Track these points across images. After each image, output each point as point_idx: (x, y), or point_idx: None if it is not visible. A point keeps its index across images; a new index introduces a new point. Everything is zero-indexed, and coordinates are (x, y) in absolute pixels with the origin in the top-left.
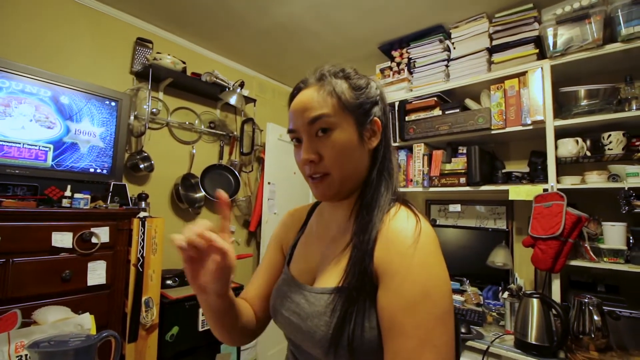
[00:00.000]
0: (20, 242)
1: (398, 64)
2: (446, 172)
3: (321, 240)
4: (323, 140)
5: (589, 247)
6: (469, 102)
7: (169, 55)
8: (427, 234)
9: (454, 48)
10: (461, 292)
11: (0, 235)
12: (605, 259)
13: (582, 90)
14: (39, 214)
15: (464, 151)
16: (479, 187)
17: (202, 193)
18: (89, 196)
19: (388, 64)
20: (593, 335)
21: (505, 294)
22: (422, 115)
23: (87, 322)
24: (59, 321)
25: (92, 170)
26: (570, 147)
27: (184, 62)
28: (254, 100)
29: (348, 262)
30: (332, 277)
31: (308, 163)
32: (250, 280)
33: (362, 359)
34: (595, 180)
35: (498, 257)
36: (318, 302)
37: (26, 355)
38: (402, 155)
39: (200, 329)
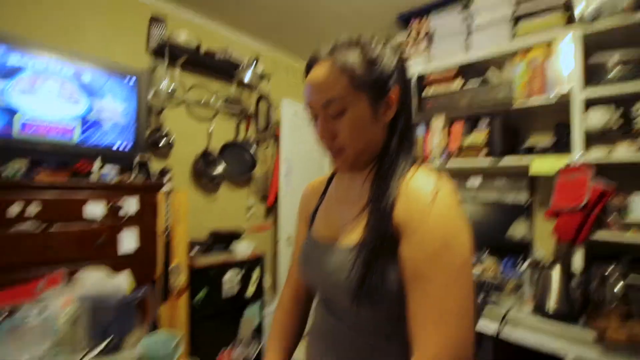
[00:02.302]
0: (57, 211)
1: (417, 35)
2: (466, 145)
3: (341, 203)
4: (337, 120)
5: (613, 220)
6: (490, 74)
7: (183, 33)
8: (446, 188)
9: (476, 17)
10: (479, 262)
11: (39, 205)
12: (630, 232)
13: (613, 57)
14: (72, 186)
15: (485, 124)
16: (501, 160)
17: (221, 169)
18: (116, 169)
19: (406, 35)
20: (614, 304)
21: (525, 265)
22: (441, 88)
23: (124, 282)
24: (100, 280)
25: (116, 146)
26: (598, 118)
27: (198, 40)
28: (269, 77)
29: (366, 225)
30: (353, 236)
31: (324, 139)
32: (290, 262)
33: (384, 306)
34: (624, 152)
35: (518, 231)
36: (341, 259)
37: (73, 309)
38: (419, 129)
39: (224, 297)
